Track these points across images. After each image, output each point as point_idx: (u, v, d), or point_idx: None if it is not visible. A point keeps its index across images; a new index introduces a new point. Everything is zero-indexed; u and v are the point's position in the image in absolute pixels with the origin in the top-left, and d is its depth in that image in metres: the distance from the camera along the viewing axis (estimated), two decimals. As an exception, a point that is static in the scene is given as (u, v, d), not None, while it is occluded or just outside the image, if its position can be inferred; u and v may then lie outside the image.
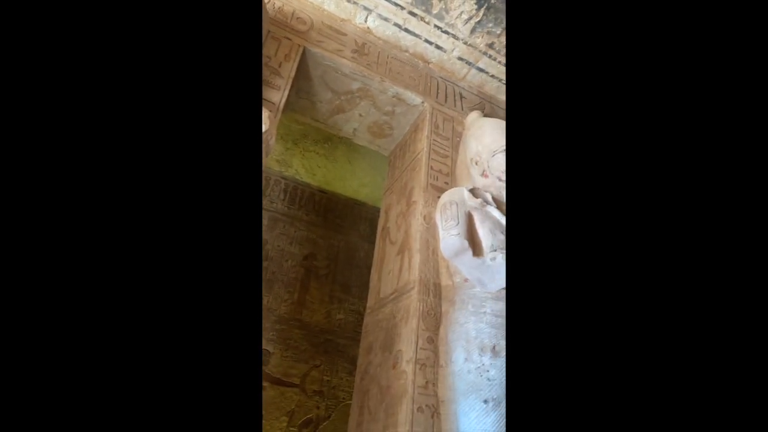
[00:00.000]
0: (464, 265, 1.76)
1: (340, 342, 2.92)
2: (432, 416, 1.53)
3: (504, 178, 1.98)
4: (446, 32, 2.37)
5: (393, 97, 2.39)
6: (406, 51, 2.49)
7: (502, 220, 1.87)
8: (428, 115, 2.36)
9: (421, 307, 1.76)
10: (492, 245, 1.78)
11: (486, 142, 2.08)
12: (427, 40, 2.43)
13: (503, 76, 2.59)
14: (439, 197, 2.05)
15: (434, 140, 2.30)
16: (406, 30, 2.38)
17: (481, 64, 2.54)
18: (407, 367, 1.63)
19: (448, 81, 2.58)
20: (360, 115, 2.54)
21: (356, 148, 3.34)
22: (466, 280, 1.77)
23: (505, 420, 1.42)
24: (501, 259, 1.71)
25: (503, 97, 2.72)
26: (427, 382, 1.59)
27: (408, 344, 1.69)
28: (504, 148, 2.00)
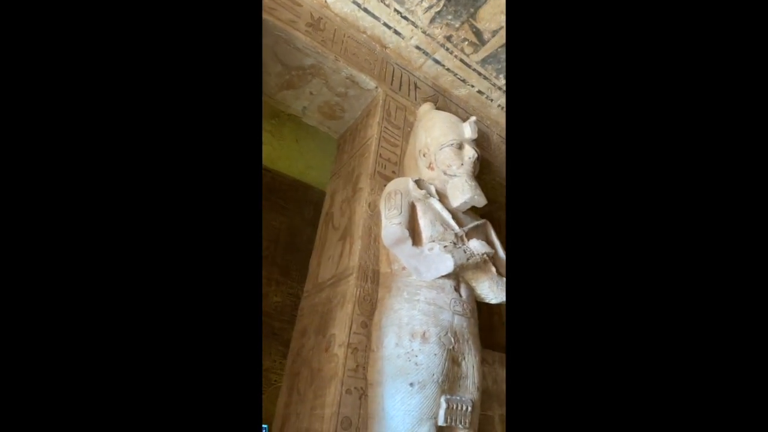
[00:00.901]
0: (403, 253, 1.79)
1: (275, 325, 2.86)
2: (360, 398, 1.57)
3: (449, 171, 2.04)
4: (406, 18, 2.35)
5: (347, 78, 2.33)
6: (364, 32, 2.43)
7: (443, 212, 1.92)
8: (381, 102, 2.34)
9: (357, 293, 1.77)
10: (431, 236, 1.83)
11: (435, 135, 2.11)
12: (386, 24, 2.39)
13: (458, 71, 2.64)
14: (385, 185, 2.06)
15: (385, 128, 2.30)
16: (365, 10, 2.32)
17: (437, 56, 2.56)
18: (339, 350, 1.64)
19: (404, 69, 2.57)
20: (311, 93, 2.45)
21: (305, 127, 3.22)
22: (403, 268, 1.81)
23: (427, 402, 1.49)
24: (438, 250, 1.77)
25: (457, 92, 2.77)
26: (357, 366, 1.62)
27: (342, 328, 1.70)
28: (452, 142, 2.05)
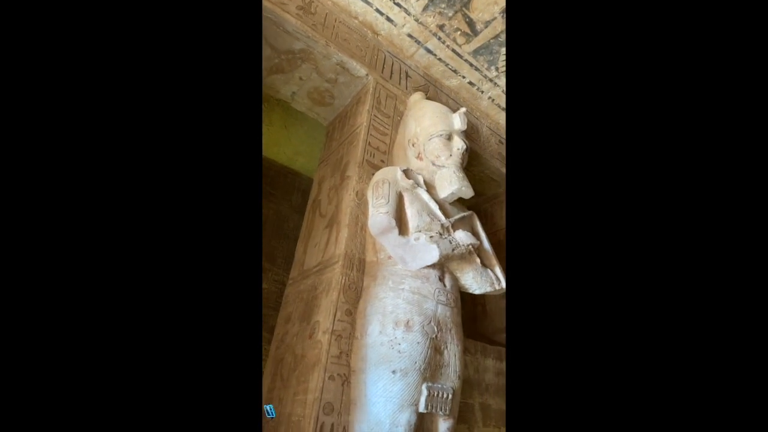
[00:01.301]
0: (389, 243, 1.80)
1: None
2: (342, 384, 1.58)
3: (438, 162, 2.04)
4: (398, 5, 2.32)
5: (337, 64, 2.30)
6: (356, 18, 2.39)
7: (431, 203, 1.93)
8: (371, 89, 2.32)
9: (343, 281, 1.77)
10: (417, 226, 1.84)
11: (425, 125, 2.11)
12: (378, 10, 2.35)
13: (450, 61, 2.62)
14: (373, 174, 2.05)
15: (375, 116, 2.28)
16: (358, -5, 2.27)
17: (429, 45, 2.53)
18: (323, 337, 1.65)
19: (395, 57, 2.54)
20: (300, 79, 2.41)
21: (294, 113, 3.18)
22: (389, 257, 1.81)
23: (409, 389, 1.52)
24: (424, 240, 1.78)
25: (448, 83, 2.76)
26: (341, 353, 1.63)
27: (326, 316, 1.70)
28: (441, 133, 2.05)
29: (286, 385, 1.74)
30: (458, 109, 2.21)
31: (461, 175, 2.01)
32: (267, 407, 1.14)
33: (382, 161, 2.19)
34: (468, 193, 1.98)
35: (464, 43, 2.52)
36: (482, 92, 2.81)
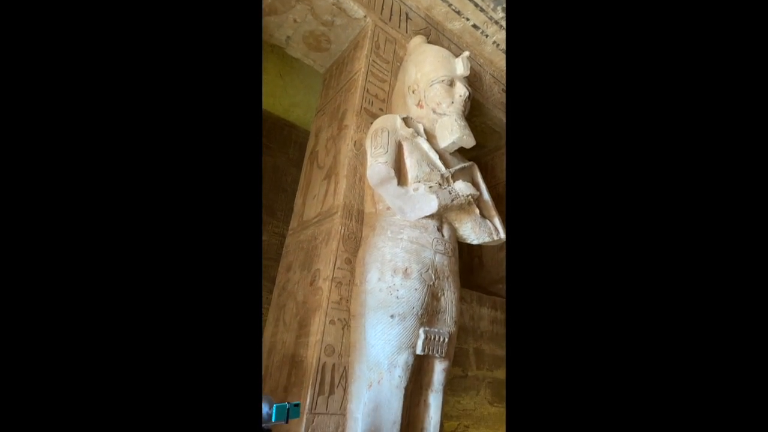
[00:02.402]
0: (388, 193, 1.79)
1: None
2: (342, 328, 1.64)
3: (439, 110, 1.97)
4: (398, -64, 2.13)
5: (333, 4, 2.15)
6: (353, -49, 2.20)
7: (431, 152, 1.89)
8: (370, 32, 2.19)
9: (342, 231, 1.78)
10: (417, 176, 1.81)
11: (426, 71, 2.01)
12: (376, -58, 2.16)
13: (453, 1, 2.46)
14: (372, 123, 1.99)
15: (374, 61, 2.17)
16: (355, -76, 2.08)
17: (431, -16, 2.36)
18: (323, 284, 1.68)
19: (395, -3, 2.38)
20: (295, 21, 2.27)
21: (289, 61, 3.03)
22: (388, 208, 1.81)
23: (406, 333, 1.58)
24: (423, 190, 1.77)
25: (450, 26, 2.61)
26: (341, 299, 1.67)
27: (326, 264, 1.73)
28: (443, 79, 1.96)
29: (288, 329, 1.81)
30: (461, 53, 2.10)
31: (463, 123, 1.95)
32: (289, 405, 1.15)
33: (381, 109, 2.12)
34: (469, 142, 1.94)
35: (469, -19, 2.35)
36: (486, 36, 2.66)
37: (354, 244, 1.80)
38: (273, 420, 1.08)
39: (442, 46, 2.46)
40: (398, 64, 2.25)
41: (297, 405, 1.17)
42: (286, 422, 1.13)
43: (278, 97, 3.38)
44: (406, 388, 1.56)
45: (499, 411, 2.45)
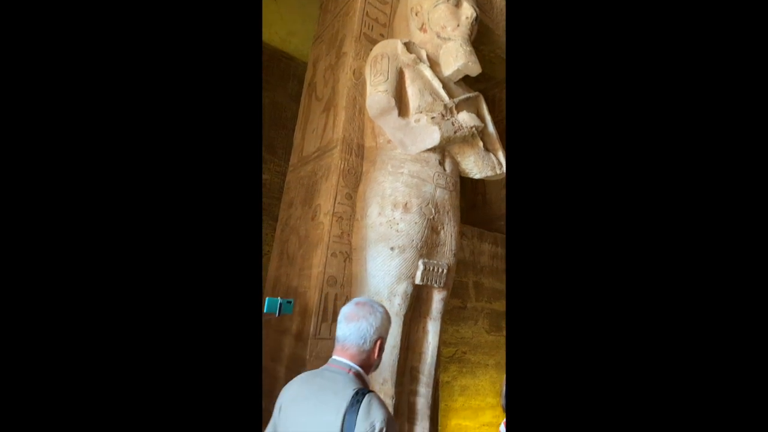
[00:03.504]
0: (388, 125, 1.72)
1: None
2: (344, 261, 1.68)
3: (443, 34, 1.83)
4: None
5: None
6: None
7: (434, 81, 1.79)
8: (369, -56, 1.97)
9: (342, 165, 1.75)
10: (419, 106, 1.73)
11: (430, -11, 1.83)
12: None
13: None
14: (372, 50, 1.86)
15: (373, -21, 1.97)
16: None
17: None
18: (325, 219, 1.70)
19: None
20: (285, -70, 2.03)
21: (284, -18, 2.78)
22: (389, 141, 1.75)
23: (406, 264, 1.61)
24: (425, 121, 1.69)
25: (459, -63, 2.32)
26: (342, 233, 1.69)
27: (327, 199, 1.73)
28: (448, -1, 1.79)
29: (292, 262, 1.86)
30: (470, -33, 1.90)
31: (469, 48, 1.81)
32: (282, 300, 1.18)
33: (382, 35, 1.97)
34: (475, 69, 1.82)
35: None
36: (500, -51, 2.38)
37: (355, 179, 1.78)
38: (265, 311, 1.14)
39: (450, -40, 2.21)
40: (401, -19, 2.05)
41: (290, 302, 1.23)
42: (277, 315, 1.19)
43: (274, 25, 3.15)
44: (405, 315, 1.63)
45: (495, 339, 2.60)
